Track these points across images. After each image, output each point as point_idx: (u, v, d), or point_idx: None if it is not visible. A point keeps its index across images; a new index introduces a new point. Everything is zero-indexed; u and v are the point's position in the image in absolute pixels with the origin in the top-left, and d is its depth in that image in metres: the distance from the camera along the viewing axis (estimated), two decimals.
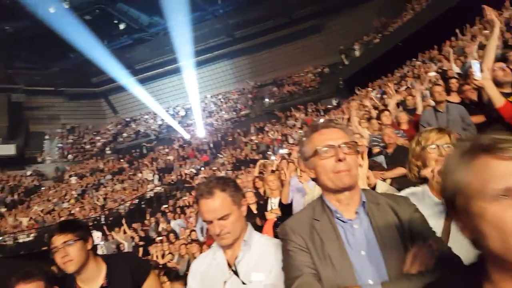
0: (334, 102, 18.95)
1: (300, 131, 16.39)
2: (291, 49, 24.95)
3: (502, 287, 0.69)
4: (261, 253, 1.38)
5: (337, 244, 1.18)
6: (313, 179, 1.29)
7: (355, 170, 1.22)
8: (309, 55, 24.25)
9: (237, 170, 15.14)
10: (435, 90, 4.17)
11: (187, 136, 22.17)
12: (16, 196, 20.35)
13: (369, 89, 12.92)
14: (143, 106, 26.10)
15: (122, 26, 24.08)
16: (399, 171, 3.47)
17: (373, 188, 2.81)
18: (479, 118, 3.78)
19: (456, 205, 0.72)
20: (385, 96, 8.34)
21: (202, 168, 17.49)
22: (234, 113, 23.36)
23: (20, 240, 15.14)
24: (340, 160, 1.19)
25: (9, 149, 23.72)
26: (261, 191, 5.42)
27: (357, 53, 19.93)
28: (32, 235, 15.28)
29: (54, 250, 1.77)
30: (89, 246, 1.88)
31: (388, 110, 5.60)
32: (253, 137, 18.63)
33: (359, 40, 20.40)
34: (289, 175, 4.06)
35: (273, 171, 5.63)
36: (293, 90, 22.51)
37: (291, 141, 15.86)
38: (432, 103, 4.58)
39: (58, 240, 1.78)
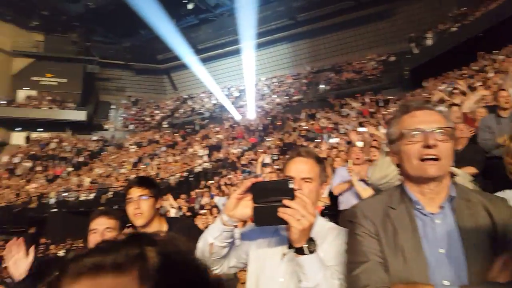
0: (395, 94, 18.25)
1: (353, 121, 16.16)
2: (354, 35, 24.28)
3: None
4: (318, 234, 1.29)
5: (413, 236, 1.11)
6: (397, 165, 1.22)
7: (446, 160, 1.11)
8: (374, 41, 23.42)
9: (283, 155, 15.43)
10: (502, 95, 3.89)
11: (238, 117, 22.94)
12: (81, 158, 22.91)
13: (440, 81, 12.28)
14: (201, 85, 27.33)
15: (190, 6, 25.40)
16: (469, 170, 3.23)
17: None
18: None
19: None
20: (455, 91, 7.95)
21: (249, 150, 18.07)
22: (287, 97, 23.54)
23: (81, 198, 16.86)
24: (429, 147, 1.09)
25: (81, 115, 26.61)
26: None
27: (429, 42, 18.86)
28: (92, 194, 16.99)
29: (129, 200, 1.93)
30: (158, 205, 2.02)
31: (457, 105, 5.25)
32: (303, 123, 18.72)
33: (433, 28, 19.28)
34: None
35: (324, 159, 5.61)
36: (351, 78, 22.00)
37: (342, 130, 15.68)
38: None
39: (135, 192, 1.93)
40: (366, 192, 3.78)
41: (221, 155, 18.49)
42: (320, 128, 17.37)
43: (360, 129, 12.94)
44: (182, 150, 21.25)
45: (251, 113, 22.35)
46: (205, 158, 19.01)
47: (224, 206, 1.32)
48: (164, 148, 22.20)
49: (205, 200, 12.90)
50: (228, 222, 1.31)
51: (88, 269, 0.38)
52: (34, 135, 26.29)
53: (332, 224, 1.46)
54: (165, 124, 26.96)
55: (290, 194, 1.12)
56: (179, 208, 12.10)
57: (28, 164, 22.07)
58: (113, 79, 30.99)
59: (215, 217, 9.40)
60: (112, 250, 0.41)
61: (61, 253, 12.18)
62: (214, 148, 19.73)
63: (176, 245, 0.44)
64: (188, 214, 11.76)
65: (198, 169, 17.85)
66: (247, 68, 23.49)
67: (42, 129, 26.77)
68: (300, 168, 1.44)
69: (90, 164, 22.16)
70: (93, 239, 1.84)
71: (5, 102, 26.11)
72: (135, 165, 20.39)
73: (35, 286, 1.87)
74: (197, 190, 14.15)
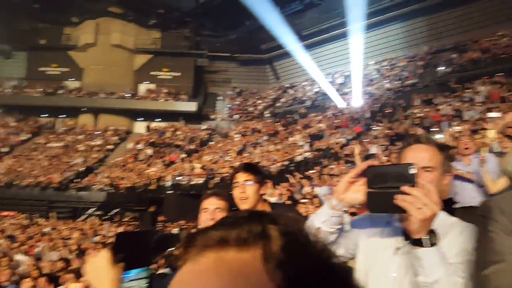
0: None
1: (479, 107, 14.12)
2: (481, 8, 20.95)
3: None
4: (438, 229, 1.20)
5: None
6: None
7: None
8: (507, 14, 19.86)
9: (393, 145, 14.30)
10: None
11: (342, 105, 21.99)
12: (193, 146, 24.86)
13: None
14: (303, 73, 26.98)
15: None
16: None
17: None
18: None
19: None
20: None
21: (353, 139, 17.22)
22: (398, 82, 21.62)
23: (193, 182, 18.39)
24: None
25: (192, 106, 28.89)
26: None
27: None
28: (201, 179, 18.40)
29: (235, 185, 2.08)
30: (262, 191, 2.13)
31: None
32: (417, 110, 17.01)
33: None
34: None
35: (448, 147, 5.26)
36: (478, 57, 19.11)
37: (466, 117, 13.87)
38: None
39: (241, 177, 2.06)
40: (495, 185, 3.49)
41: (323, 144, 18.05)
42: (437, 115, 15.56)
43: (491, 115, 11.17)
44: (283, 139, 21.40)
45: (357, 100, 21.18)
46: (306, 147, 18.78)
47: (334, 189, 1.27)
48: (265, 137, 22.64)
49: (306, 189, 12.77)
50: (337, 207, 1.25)
51: (214, 242, 0.39)
52: (153, 124, 29.50)
53: (455, 219, 1.31)
54: (266, 114, 27.48)
55: (411, 180, 1.05)
56: (280, 196, 12.20)
57: (148, 150, 24.86)
58: (219, 71, 32.79)
59: (316, 207, 9.25)
60: (236, 225, 0.40)
61: (175, 230, 13.39)
62: (315, 137, 19.35)
63: (299, 225, 0.42)
64: (288, 202, 11.79)
65: (298, 158, 17.75)
66: (354, 52, 22.24)
67: (160, 119, 29.91)
68: (419, 156, 1.31)
69: (200, 151, 23.90)
70: (204, 218, 1.92)
71: (130, 95, 29.87)
72: (239, 153, 21.24)
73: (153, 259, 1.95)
74: (297, 179, 14.04)
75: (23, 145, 26.44)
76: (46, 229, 11.43)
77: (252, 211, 0.44)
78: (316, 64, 25.27)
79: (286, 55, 27.52)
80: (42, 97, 29.76)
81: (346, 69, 24.97)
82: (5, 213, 16.87)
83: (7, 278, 5.20)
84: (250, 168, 2.13)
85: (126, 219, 16.89)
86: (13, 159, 23.73)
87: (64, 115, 30.86)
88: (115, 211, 17.41)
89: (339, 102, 22.37)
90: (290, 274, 0.36)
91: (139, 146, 25.66)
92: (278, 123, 24.52)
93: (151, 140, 26.16)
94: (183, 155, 23.54)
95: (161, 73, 31.62)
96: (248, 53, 31.78)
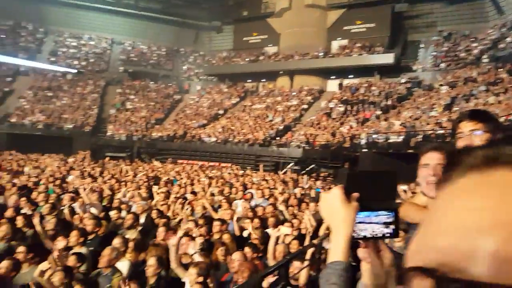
0: None
1: None
2: None
3: None
4: None
5: None
6: None
7: None
8: None
9: None
10: None
11: None
12: (389, 102, 23.22)
13: None
14: None
15: None
16: None
17: None
18: None
19: None
20: None
21: None
22: None
23: (390, 140, 17.32)
24: None
25: (388, 58, 26.80)
26: None
27: None
28: (401, 137, 17.08)
29: (459, 136, 1.85)
30: None
31: None
32: None
33: None
34: None
35: None
36: None
37: None
38: None
39: (466, 126, 1.83)
40: None
41: None
42: None
43: None
44: (507, 89, 17.33)
45: None
46: None
47: None
48: (483, 87, 18.89)
49: None
50: None
51: (479, 161, 0.36)
52: (346, 81, 29.15)
53: None
54: (485, 58, 22.78)
55: None
56: None
57: (341, 108, 24.75)
58: (422, 15, 29.08)
59: None
60: (502, 144, 0.36)
61: None
62: None
63: None
64: None
65: None
66: None
67: (352, 76, 29.25)
68: None
69: (398, 107, 22.15)
70: (424, 173, 1.74)
71: (322, 54, 30.14)
72: (447, 107, 18.53)
73: None
74: None
75: (234, 108, 30.86)
76: (256, 179, 12.99)
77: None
78: None
79: None
80: (247, 65, 33.76)
81: None
82: (223, 164, 20.32)
83: (229, 217, 6.17)
84: (479, 115, 1.83)
85: (322, 175, 17.50)
86: (226, 120, 28.03)
87: (264, 80, 34.19)
88: (311, 166, 18.28)
89: None
90: None
91: (332, 104, 25.86)
92: (501, 69, 20.04)
93: (343, 98, 25.94)
94: (378, 112, 22.38)
95: (354, 26, 30.59)
96: None
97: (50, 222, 5.10)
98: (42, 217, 5.59)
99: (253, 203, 8.17)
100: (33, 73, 32.21)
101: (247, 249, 4.29)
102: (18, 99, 28.54)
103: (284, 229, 4.57)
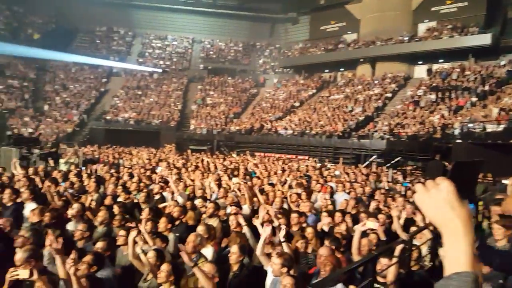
0: None
1: None
2: None
3: None
4: None
5: None
6: None
7: None
8: None
9: None
10: None
11: None
12: (486, 87, 20.82)
13: None
14: None
15: None
16: None
17: None
18: None
19: None
20: None
21: None
22: None
23: (488, 130, 15.59)
24: None
25: (485, 39, 24.03)
26: None
27: None
28: (501, 126, 15.29)
29: None
30: None
31: None
32: None
33: None
34: None
35: None
36: None
37: None
38: None
39: None
40: None
41: None
42: None
43: None
44: None
45: None
46: None
47: None
48: None
49: None
50: None
51: None
52: (435, 66, 26.90)
53: None
54: None
55: None
56: None
57: (431, 95, 22.86)
58: None
59: None
60: None
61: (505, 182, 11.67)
62: None
63: None
64: None
65: None
66: None
67: (442, 60, 26.87)
68: None
69: (497, 93, 19.77)
70: None
71: (407, 38, 28.09)
72: None
73: None
74: None
75: (310, 99, 30.39)
76: (337, 172, 12.64)
77: None
78: None
79: None
80: (324, 54, 33.00)
81: None
82: (301, 157, 20.17)
83: (309, 210, 6.08)
84: None
85: (409, 168, 16.39)
86: (303, 112, 27.72)
87: (343, 69, 33.07)
88: (396, 159, 17.23)
89: None
90: None
91: (420, 91, 24.04)
92: None
93: (433, 84, 23.93)
94: (474, 99, 20.22)
95: (444, 7, 28.15)
96: None
97: (145, 211, 5.50)
98: (137, 205, 6.14)
99: (334, 196, 7.95)
100: (124, 73, 35.43)
101: (327, 243, 4.17)
102: (112, 98, 31.58)
103: (370, 223, 4.34)
